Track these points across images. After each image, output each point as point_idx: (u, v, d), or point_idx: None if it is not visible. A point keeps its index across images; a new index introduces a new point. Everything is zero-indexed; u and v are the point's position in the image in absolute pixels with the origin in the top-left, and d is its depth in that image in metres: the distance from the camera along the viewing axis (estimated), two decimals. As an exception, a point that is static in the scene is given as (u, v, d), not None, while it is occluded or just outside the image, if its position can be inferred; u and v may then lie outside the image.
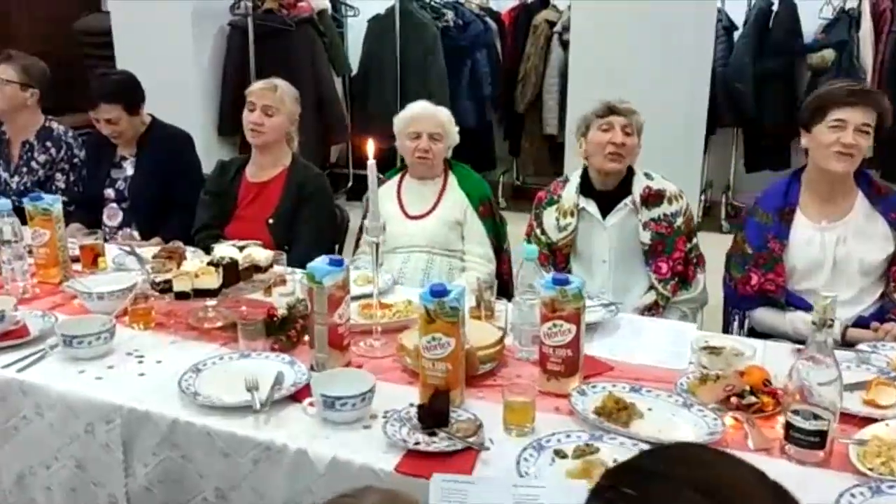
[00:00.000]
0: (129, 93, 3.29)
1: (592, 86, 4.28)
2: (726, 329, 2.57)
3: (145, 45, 5.04)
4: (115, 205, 3.36)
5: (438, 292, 1.65)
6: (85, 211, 3.40)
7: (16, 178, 3.48)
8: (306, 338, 2.05)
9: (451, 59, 5.87)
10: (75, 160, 3.55)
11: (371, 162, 1.98)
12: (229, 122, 5.34)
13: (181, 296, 2.05)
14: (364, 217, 3.13)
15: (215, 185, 3.14)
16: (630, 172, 2.67)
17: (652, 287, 2.62)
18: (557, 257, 2.70)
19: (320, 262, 1.86)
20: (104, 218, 3.37)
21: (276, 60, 5.20)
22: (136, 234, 3.33)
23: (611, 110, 2.65)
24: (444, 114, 2.96)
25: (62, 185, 3.51)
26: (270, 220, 3.02)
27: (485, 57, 6.17)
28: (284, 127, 3.04)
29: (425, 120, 2.94)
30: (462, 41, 6.00)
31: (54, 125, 3.57)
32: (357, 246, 3.17)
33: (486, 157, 6.51)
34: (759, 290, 2.44)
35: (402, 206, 3.01)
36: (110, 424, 1.77)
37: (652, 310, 2.58)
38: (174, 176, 3.33)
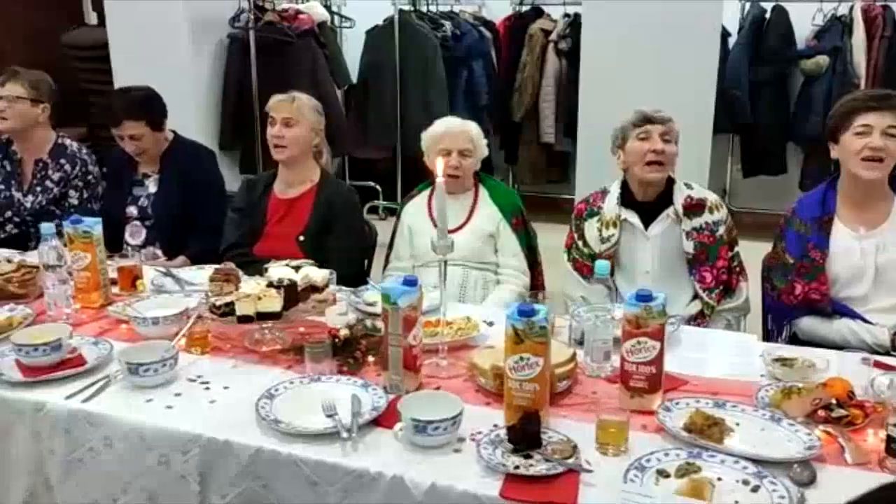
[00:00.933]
0: (153, 108, 3.24)
1: (602, 93, 4.32)
2: (767, 338, 2.58)
3: (142, 58, 4.97)
4: (137, 223, 3.30)
5: (527, 312, 1.63)
6: (104, 229, 3.33)
7: (29, 198, 3.40)
8: (370, 358, 2.03)
9: (448, 69, 5.88)
10: (89, 177, 3.48)
11: (439, 180, 1.96)
12: (230, 135, 5.29)
13: (244, 319, 2.01)
14: (393, 234, 3.13)
15: (243, 202, 3.10)
16: (670, 182, 2.68)
17: (696, 297, 2.62)
18: (600, 269, 2.69)
19: (395, 283, 1.83)
20: (126, 236, 3.31)
21: (277, 73, 5.17)
22: (159, 252, 3.28)
23: (647, 119, 2.65)
24: (473, 129, 2.95)
25: (75, 202, 3.44)
26: (301, 238, 2.98)
27: (481, 66, 6.18)
28: (307, 139, 3.00)
29: (455, 136, 2.92)
30: (458, 51, 6.01)
31: (67, 141, 3.50)
32: (387, 262, 3.14)
33: (483, 166, 6.49)
34: (804, 300, 2.45)
35: (433, 221, 2.99)
36: (187, 455, 1.72)
37: (697, 319, 2.59)
38: (198, 193, 3.28)
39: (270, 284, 2.06)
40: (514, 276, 2.94)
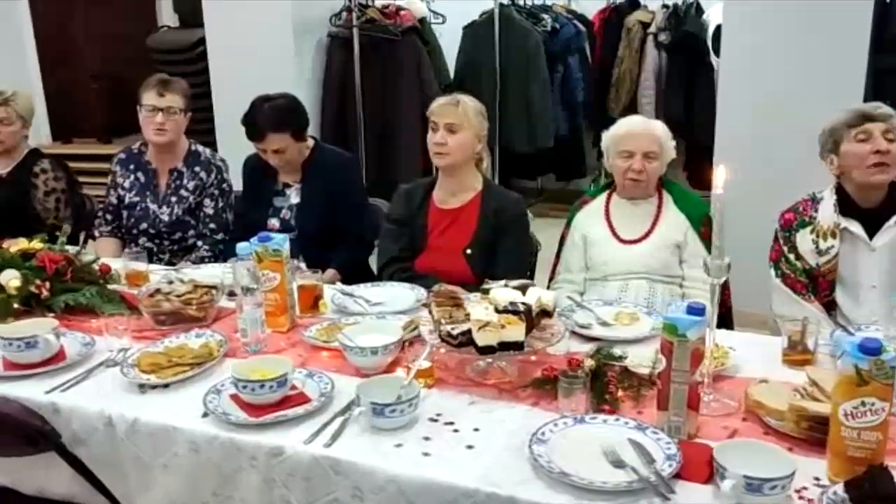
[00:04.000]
0: (296, 119, 3.05)
1: (742, 90, 4.06)
2: None
3: (241, 59, 4.80)
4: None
5: (873, 349, 1.40)
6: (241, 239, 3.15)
7: (165, 209, 3.22)
8: (620, 393, 1.81)
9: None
10: (224, 185, 3.30)
11: (718, 192, 1.72)
12: (331, 139, 5.08)
13: (486, 350, 1.79)
14: (561, 244, 2.90)
15: (401, 213, 2.89)
16: (892, 186, 2.43)
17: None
18: (820, 284, 2.45)
19: (681, 312, 1.61)
20: (267, 249, 3.11)
21: (381, 72, 4.98)
22: (303, 265, 3.06)
23: (866, 117, 2.41)
24: (659, 129, 2.71)
25: (210, 212, 3.25)
26: (468, 251, 2.77)
27: (577, 61, 5.97)
28: (471, 145, 2.78)
29: (640, 137, 2.69)
30: (555, 46, 5.79)
31: (200, 148, 3.31)
32: (552, 278, 2.92)
33: (576, 165, 6.30)
34: None
35: (612, 229, 2.76)
36: (459, 511, 1.52)
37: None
38: (342, 202, 3.09)
39: (506, 310, 1.84)
40: (703, 290, 2.69)
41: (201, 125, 5.74)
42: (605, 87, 6.07)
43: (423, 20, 5.19)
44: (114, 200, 3.32)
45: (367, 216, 3.22)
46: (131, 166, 3.30)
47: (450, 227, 2.82)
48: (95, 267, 2.47)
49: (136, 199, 3.26)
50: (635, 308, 2.33)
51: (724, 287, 2.79)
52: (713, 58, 5.70)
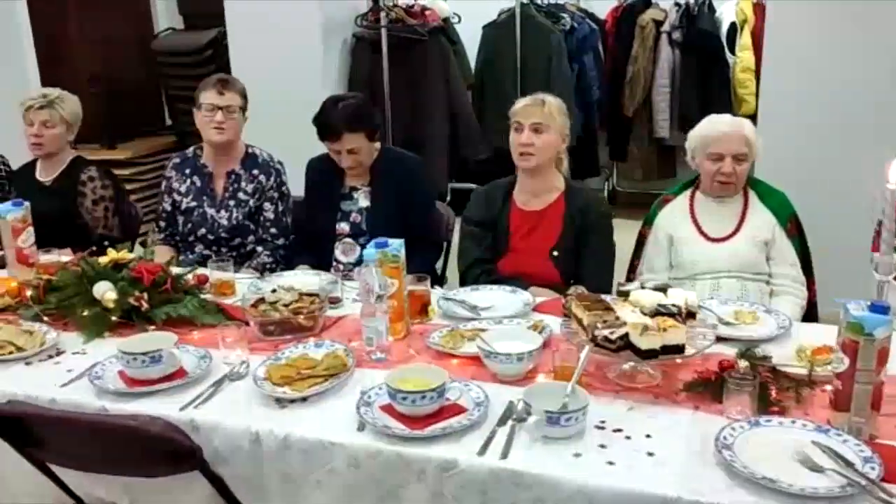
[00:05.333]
0: (370, 119, 2.99)
1: (789, 84, 4.04)
2: None
3: (267, 61, 4.69)
4: (350, 240, 3.03)
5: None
6: (309, 247, 3.08)
7: (223, 214, 3.12)
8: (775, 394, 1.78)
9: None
10: (283, 187, 3.22)
11: (893, 188, 1.69)
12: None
13: (648, 355, 1.75)
14: (640, 243, 2.87)
15: (482, 215, 2.84)
16: None
17: None
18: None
19: (866, 310, 1.58)
20: (337, 254, 3.05)
21: (408, 73, 4.91)
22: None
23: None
24: (749, 129, 2.69)
25: (271, 216, 3.17)
26: (555, 252, 2.73)
27: (591, 60, 5.93)
28: (556, 145, 2.75)
29: (729, 139, 2.66)
30: (570, 45, 5.74)
31: (257, 150, 3.22)
32: (630, 274, 2.89)
33: (591, 164, 6.27)
34: None
35: (699, 227, 2.74)
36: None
37: None
38: (413, 204, 3.02)
39: (660, 313, 1.80)
40: (793, 287, 2.69)
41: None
42: (618, 85, 6.06)
43: (446, 19, 5.12)
44: (168, 207, 3.22)
45: (438, 218, 3.16)
46: (187, 170, 3.21)
47: (534, 229, 2.78)
48: (189, 277, 2.37)
49: (193, 203, 3.16)
50: (752, 306, 2.31)
51: (812, 281, 2.79)
52: (728, 55, 5.74)
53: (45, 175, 3.38)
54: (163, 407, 1.83)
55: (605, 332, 1.77)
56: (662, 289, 1.94)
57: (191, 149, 3.25)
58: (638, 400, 1.80)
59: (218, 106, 3.04)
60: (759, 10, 5.77)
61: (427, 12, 4.94)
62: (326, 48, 4.75)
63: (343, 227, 3.03)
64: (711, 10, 5.89)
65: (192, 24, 6.15)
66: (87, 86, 6.85)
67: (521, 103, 2.74)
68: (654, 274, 2.78)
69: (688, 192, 2.81)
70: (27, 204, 2.69)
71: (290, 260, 3.12)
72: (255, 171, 3.16)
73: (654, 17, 5.98)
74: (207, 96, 3.06)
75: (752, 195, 2.75)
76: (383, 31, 4.72)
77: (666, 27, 5.91)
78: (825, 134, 3.88)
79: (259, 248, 3.14)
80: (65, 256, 2.81)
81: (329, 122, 2.90)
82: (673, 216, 2.79)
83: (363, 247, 2.99)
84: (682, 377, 1.87)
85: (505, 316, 2.26)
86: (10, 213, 2.61)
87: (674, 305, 1.83)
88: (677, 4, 5.94)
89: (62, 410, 1.80)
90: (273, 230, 3.16)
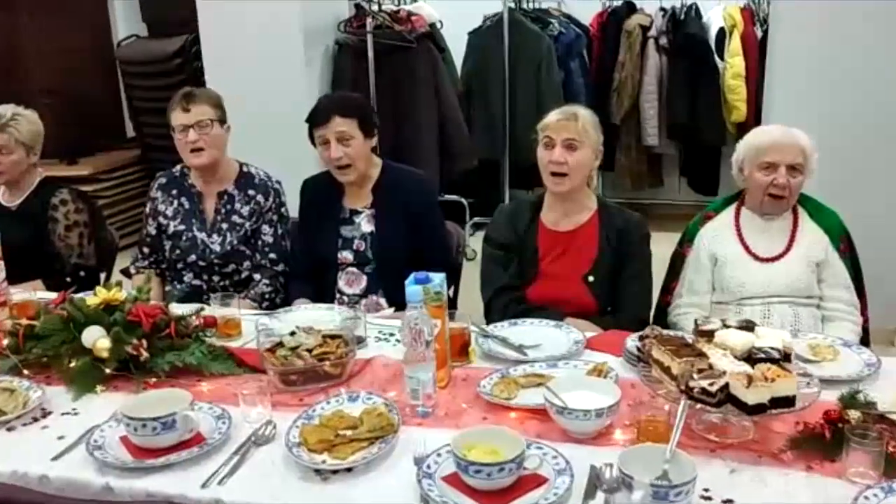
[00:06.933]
0: (365, 111, 2.73)
1: (794, 94, 3.87)
2: None
3: (244, 71, 4.39)
4: (355, 269, 2.75)
5: None
6: (302, 275, 2.80)
7: (216, 238, 2.82)
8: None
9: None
10: (283, 209, 2.92)
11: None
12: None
13: (756, 410, 1.51)
14: (676, 262, 2.65)
15: (506, 237, 2.59)
16: None
17: None
18: None
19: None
20: (341, 284, 2.76)
21: (394, 81, 4.64)
22: (383, 301, 2.74)
23: None
24: (804, 139, 2.46)
25: (269, 240, 2.86)
26: (590, 278, 2.49)
27: (578, 66, 5.73)
28: (590, 163, 2.52)
29: (784, 148, 2.44)
30: (557, 51, 5.54)
31: (252, 169, 2.92)
32: (664, 297, 2.66)
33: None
34: None
35: (746, 247, 2.52)
36: None
37: None
38: (422, 227, 2.74)
39: (760, 359, 1.57)
40: (847, 312, 2.48)
41: (183, 142, 5.32)
42: (604, 92, 5.87)
43: (432, 25, 4.87)
44: (153, 231, 2.91)
45: (448, 240, 2.90)
46: (173, 191, 2.90)
47: (566, 252, 2.54)
48: (193, 319, 2.07)
49: (182, 227, 2.85)
50: (827, 339, 2.09)
51: (865, 304, 2.60)
52: (717, 60, 5.59)
53: (9, 199, 3.05)
54: (180, 483, 1.54)
55: (704, 384, 1.52)
56: (748, 327, 1.71)
57: (178, 167, 2.94)
58: (737, 459, 1.56)
59: (187, 125, 2.73)
60: (748, 14, 5.67)
61: (414, 17, 4.67)
62: (308, 56, 4.46)
63: (346, 255, 2.74)
64: (698, 15, 5.74)
65: (158, 31, 5.81)
66: (40, 97, 6.48)
67: (552, 117, 2.51)
68: (697, 297, 2.56)
69: (731, 209, 2.60)
70: (-3, 236, 2.36)
71: (285, 288, 2.84)
72: (252, 192, 2.86)
73: (641, 22, 5.81)
74: (174, 118, 2.75)
75: (802, 212, 2.54)
76: (369, 38, 4.44)
77: (653, 32, 5.74)
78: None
79: (256, 276, 2.84)
80: (39, 292, 2.50)
81: (319, 106, 2.69)
82: (717, 234, 2.57)
83: (369, 276, 2.74)
84: (778, 429, 1.64)
85: (556, 357, 2.00)
86: (-21, 247, 2.28)
87: (772, 349, 1.59)
88: (663, 10, 5.78)
89: (60, 497, 1.49)
90: (272, 255, 2.86)
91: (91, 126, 6.18)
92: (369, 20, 4.41)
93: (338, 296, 2.75)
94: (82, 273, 2.99)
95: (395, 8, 4.79)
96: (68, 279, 2.92)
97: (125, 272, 2.96)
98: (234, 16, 4.37)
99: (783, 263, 2.48)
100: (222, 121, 2.81)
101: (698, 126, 5.66)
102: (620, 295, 2.50)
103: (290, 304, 2.70)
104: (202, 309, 2.14)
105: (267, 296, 2.80)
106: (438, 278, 1.87)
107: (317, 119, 2.65)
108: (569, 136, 2.44)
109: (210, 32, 4.49)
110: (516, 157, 5.38)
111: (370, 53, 4.45)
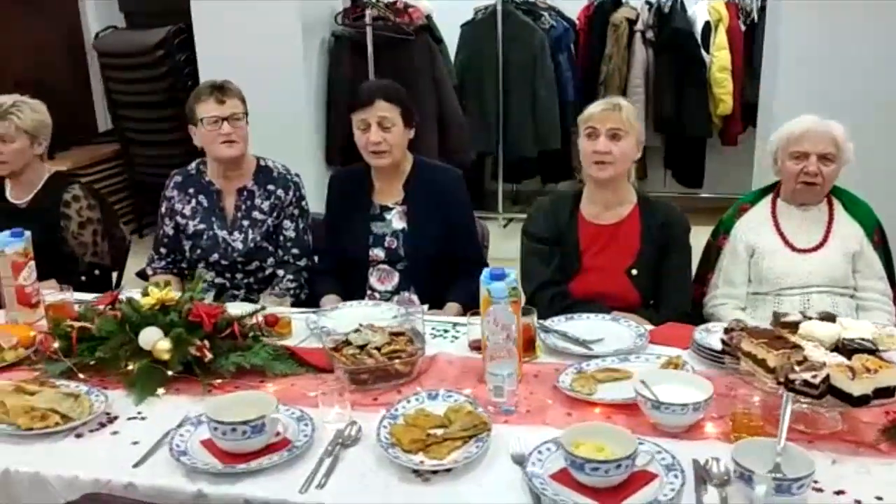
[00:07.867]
0: (408, 101, 2.67)
1: (794, 89, 3.91)
2: None
3: (239, 63, 4.27)
4: (386, 266, 2.70)
5: None
6: (329, 272, 2.75)
7: (237, 235, 2.74)
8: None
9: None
10: (303, 202, 2.85)
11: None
12: (337, 150, 4.63)
13: (859, 401, 1.51)
14: (711, 254, 2.66)
15: (547, 230, 2.57)
16: None
17: None
18: None
19: None
20: (372, 281, 2.71)
21: (392, 74, 4.55)
22: (415, 297, 2.68)
23: None
24: (837, 129, 2.49)
25: (292, 235, 2.79)
26: (633, 271, 2.48)
27: (566, 59, 5.74)
28: (633, 153, 2.52)
29: (816, 137, 2.47)
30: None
31: (270, 163, 2.84)
32: (700, 288, 2.67)
33: (565, 166, 6.09)
34: None
35: (784, 238, 2.54)
36: None
37: None
38: (455, 225, 2.70)
39: (856, 349, 1.57)
40: (883, 301, 2.52)
41: (167, 135, 5.18)
42: (592, 85, 5.88)
43: (429, 17, 4.82)
44: (169, 231, 2.82)
45: (481, 238, 2.87)
46: (190, 189, 2.81)
47: (608, 245, 2.52)
48: (252, 318, 2.01)
49: (202, 226, 2.77)
50: (885, 327, 2.10)
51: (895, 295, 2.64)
52: (704, 54, 5.64)
53: (17, 196, 2.93)
54: (277, 488, 1.48)
55: (807, 377, 1.52)
56: (830, 318, 1.71)
57: (193, 164, 2.85)
58: (834, 450, 1.56)
59: (221, 117, 2.65)
60: (733, 8, 5.73)
61: (411, 9, 4.62)
62: (305, 48, 4.38)
63: (377, 253, 2.68)
64: (683, 8, 5.78)
65: (137, 22, 5.64)
66: (13, 91, 6.26)
67: (596, 108, 2.49)
68: (734, 288, 2.58)
69: (767, 200, 2.61)
70: (28, 234, 2.26)
71: (312, 284, 2.78)
72: (271, 186, 2.79)
73: (627, 15, 5.83)
74: (206, 108, 2.66)
75: (837, 205, 2.57)
76: (368, 30, 4.37)
77: (640, 26, 5.77)
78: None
79: (280, 272, 2.78)
80: (66, 294, 2.40)
81: (363, 89, 2.65)
82: (753, 226, 2.59)
83: (401, 273, 2.69)
84: (865, 419, 1.64)
85: (624, 352, 1.99)
86: (10, 246, 2.18)
87: (865, 340, 1.60)
88: (648, 3, 5.81)
89: (152, 504, 1.43)
90: (295, 250, 2.80)
91: (64, 121, 5.98)
92: (368, 12, 4.34)
93: (369, 293, 2.70)
94: (97, 272, 2.90)
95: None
96: (83, 278, 2.83)
97: (141, 275, 2.86)
98: (228, 7, 4.27)
99: (821, 254, 2.50)
100: (247, 115, 2.75)
101: (684, 119, 5.70)
102: (664, 288, 2.50)
103: (317, 301, 2.65)
104: (262, 308, 2.07)
105: (292, 292, 2.74)
106: (512, 273, 1.84)
107: (360, 101, 2.59)
108: (613, 125, 2.43)
109: (204, 24, 4.38)
110: (511, 149, 5.36)
111: (369, 46, 4.38)
